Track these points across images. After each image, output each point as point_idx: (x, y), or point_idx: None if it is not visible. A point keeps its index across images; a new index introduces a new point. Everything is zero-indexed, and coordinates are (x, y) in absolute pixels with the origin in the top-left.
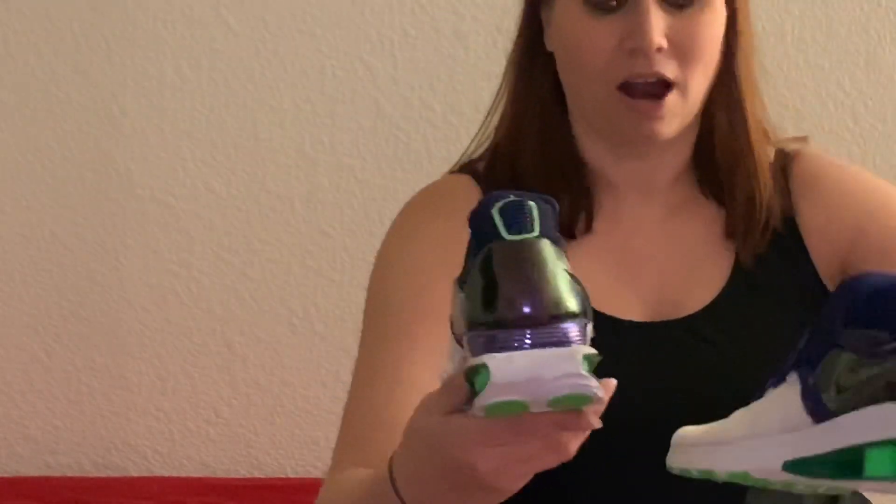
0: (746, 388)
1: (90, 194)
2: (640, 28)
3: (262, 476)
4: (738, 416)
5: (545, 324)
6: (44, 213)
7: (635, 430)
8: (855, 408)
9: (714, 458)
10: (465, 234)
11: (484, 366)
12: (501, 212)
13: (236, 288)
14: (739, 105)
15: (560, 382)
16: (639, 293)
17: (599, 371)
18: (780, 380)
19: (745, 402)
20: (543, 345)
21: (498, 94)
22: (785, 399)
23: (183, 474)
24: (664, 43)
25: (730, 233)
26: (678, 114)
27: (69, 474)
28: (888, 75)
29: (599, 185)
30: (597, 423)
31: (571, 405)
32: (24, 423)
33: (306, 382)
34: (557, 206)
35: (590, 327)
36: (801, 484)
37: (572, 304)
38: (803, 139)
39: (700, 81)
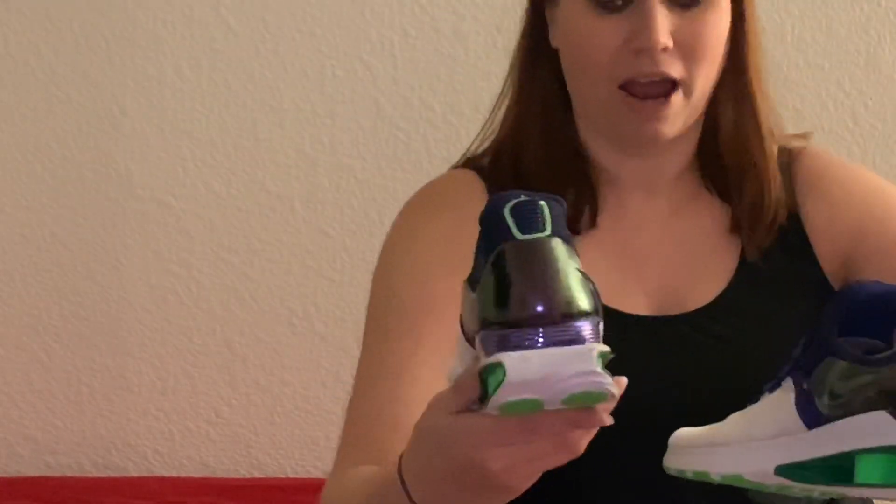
0: (751, 383)
1: (90, 194)
2: (646, 28)
3: (262, 476)
4: (734, 419)
5: (558, 322)
6: (44, 213)
7: (640, 424)
8: (847, 415)
9: (709, 461)
10: (469, 229)
11: (499, 364)
12: (513, 211)
13: (236, 288)
14: (751, 102)
15: (576, 380)
16: (643, 288)
17: (606, 366)
18: (775, 385)
19: (750, 397)
20: (557, 343)
21: (502, 90)
22: (779, 404)
23: (183, 474)
24: (670, 43)
25: (736, 228)
26: (682, 114)
27: (69, 474)
28: (888, 75)
29: (603, 180)
30: (608, 420)
31: (586, 403)
32: (24, 423)
33: (306, 382)
34: (566, 206)
35: (602, 325)
36: (795, 488)
37: (585, 302)
38: (806, 136)
39: (704, 81)
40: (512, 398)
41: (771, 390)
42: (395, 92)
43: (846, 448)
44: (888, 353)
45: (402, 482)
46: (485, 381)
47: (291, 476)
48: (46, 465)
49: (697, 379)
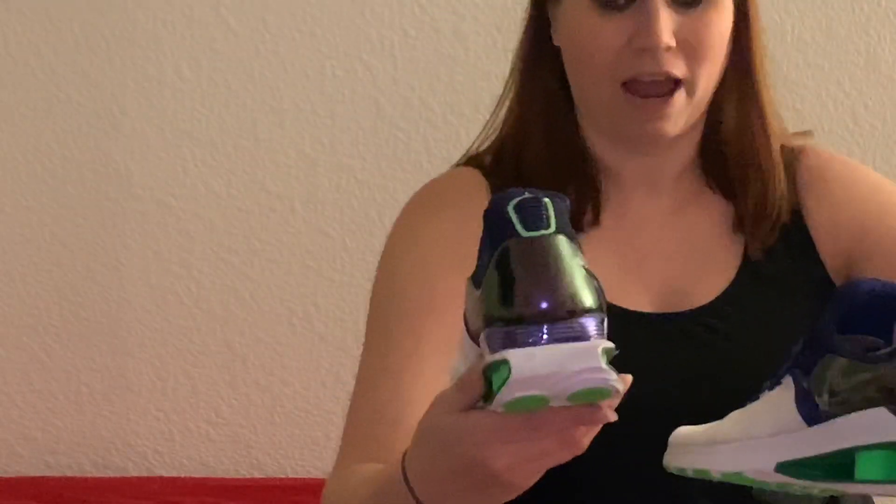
0: (754, 381)
1: (90, 194)
2: (648, 27)
3: (262, 476)
4: (734, 417)
5: (563, 319)
6: (44, 213)
7: (643, 421)
8: (847, 412)
9: (709, 459)
10: (472, 227)
11: (505, 361)
12: (517, 209)
13: (236, 288)
14: (757, 102)
15: (581, 377)
16: (647, 285)
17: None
18: (775, 383)
19: (753, 394)
20: (562, 340)
21: (505, 88)
22: (779, 402)
23: (183, 474)
24: (672, 42)
25: (739, 226)
26: (685, 112)
27: (69, 474)
28: (888, 75)
29: (606, 178)
30: (612, 417)
31: (591, 399)
32: (24, 423)
33: (306, 382)
34: (570, 203)
35: (606, 322)
36: (796, 485)
37: (589, 299)
38: (807, 134)
39: (707, 80)
40: (518, 395)
41: (771, 388)
42: (395, 92)
43: (846, 445)
44: (888, 350)
45: (406, 480)
46: (489, 378)
47: (291, 476)
48: (46, 465)
49: (700, 376)
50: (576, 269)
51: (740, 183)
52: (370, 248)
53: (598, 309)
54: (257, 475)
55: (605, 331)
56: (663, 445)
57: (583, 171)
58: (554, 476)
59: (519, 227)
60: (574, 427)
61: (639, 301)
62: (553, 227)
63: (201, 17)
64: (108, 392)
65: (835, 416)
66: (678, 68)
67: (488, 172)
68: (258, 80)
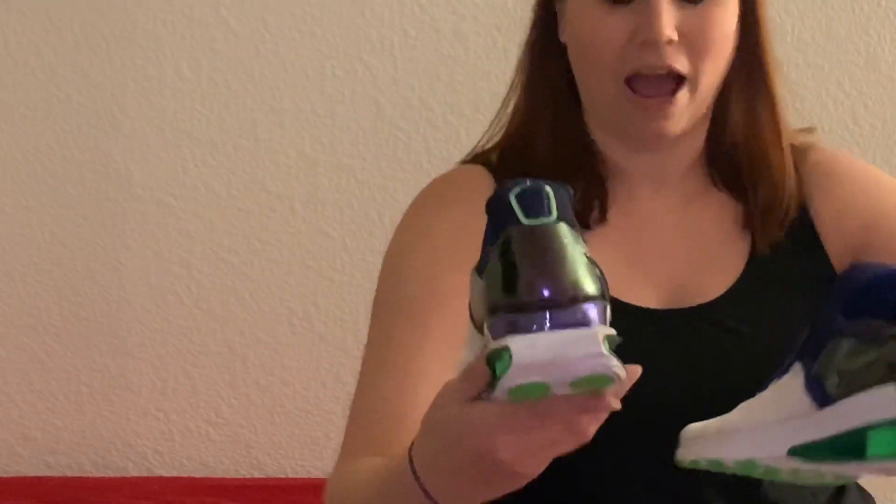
0: (763, 376)
1: (90, 194)
2: (651, 21)
3: (262, 476)
4: (743, 407)
5: (565, 306)
6: (44, 213)
7: (651, 417)
8: (856, 392)
9: (721, 448)
10: (478, 224)
11: (506, 349)
12: (519, 197)
13: (236, 288)
14: (768, 100)
15: (582, 363)
16: (654, 281)
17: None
18: (783, 372)
19: (761, 390)
20: (564, 326)
21: (511, 85)
22: (788, 389)
23: (183, 474)
24: (675, 36)
25: (747, 223)
26: (688, 110)
27: (69, 474)
28: (888, 75)
29: (612, 174)
30: (617, 405)
31: (593, 386)
32: (24, 423)
33: (306, 382)
34: (573, 192)
35: (609, 309)
36: (808, 472)
37: (591, 286)
38: (811, 130)
39: (710, 76)
40: (519, 382)
41: (779, 377)
42: (395, 92)
43: (857, 424)
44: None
45: (414, 471)
46: (493, 366)
47: (291, 476)
48: (46, 465)
49: (708, 372)
50: (578, 257)
51: (751, 182)
52: (370, 248)
53: (601, 296)
54: (257, 475)
55: (608, 318)
56: (670, 442)
57: (589, 168)
58: (564, 473)
59: (521, 215)
60: (578, 415)
61: (645, 297)
62: (555, 215)
63: (201, 17)
64: (108, 392)
65: (844, 397)
66: (681, 63)
67: (495, 169)
68: (258, 80)
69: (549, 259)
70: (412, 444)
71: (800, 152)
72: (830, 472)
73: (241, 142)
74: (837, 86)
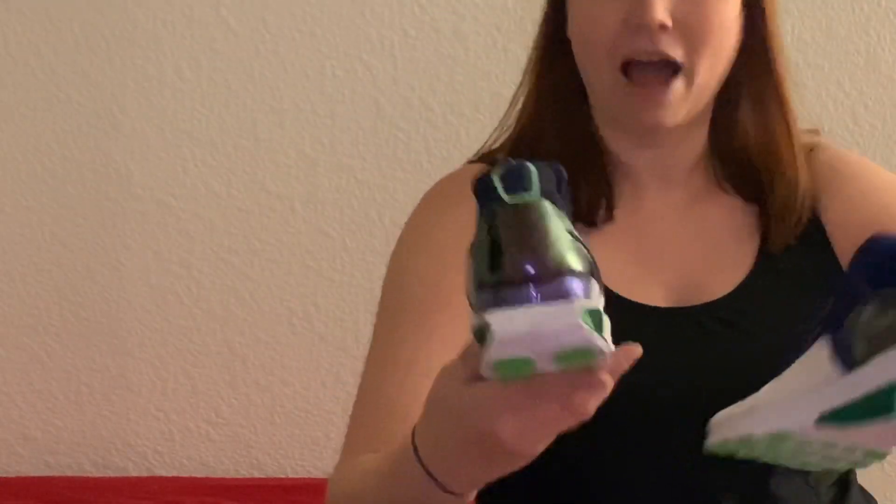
0: (770, 373)
1: (90, 194)
2: (643, 4)
3: (262, 476)
4: (770, 385)
5: (547, 281)
6: (44, 213)
7: (659, 414)
8: (880, 352)
9: (750, 422)
10: None
11: (487, 324)
12: (502, 177)
13: (236, 288)
14: (780, 102)
15: (561, 335)
16: (661, 279)
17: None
18: (809, 345)
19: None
20: (545, 300)
21: (520, 84)
22: (815, 360)
23: (183, 474)
24: (668, 20)
25: (760, 221)
26: (684, 102)
27: (69, 474)
28: (888, 75)
29: (620, 172)
30: (609, 383)
31: (578, 361)
32: (24, 423)
33: (306, 382)
34: (564, 172)
35: (595, 285)
36: (841, 445)
37: (573, 261)
38: (816, 131)
39: (708, 69)
40: (500, 356)
41: (805, 351)
42: (395, 92)
43: (882, 382)
44: None
45: (417, 454)
46: (481, 343)
47: (291, 476)
48: (46, 465)
49: (715, 370)
50: (561, 234)
51: (766, 182)
52: (370, 248)
53: (585, 272)
54: (257, 475)
55: (594, 293)
56: (678, 439)
57: (596, 166)
58: (567, 469)
59: (503, 193)
60: (573, 392)
61: (654, 295)
62: (536, 192)
63: (201, 17)
64: (108, 392)
65: (868, 359)
66: (675, 51)
67: None
68: (258, 80)
69: (531, 235)
70: (415, 427)
71: (808, 151)
72: (863, 445)
73: (241, 142)
74: (837, 86)
